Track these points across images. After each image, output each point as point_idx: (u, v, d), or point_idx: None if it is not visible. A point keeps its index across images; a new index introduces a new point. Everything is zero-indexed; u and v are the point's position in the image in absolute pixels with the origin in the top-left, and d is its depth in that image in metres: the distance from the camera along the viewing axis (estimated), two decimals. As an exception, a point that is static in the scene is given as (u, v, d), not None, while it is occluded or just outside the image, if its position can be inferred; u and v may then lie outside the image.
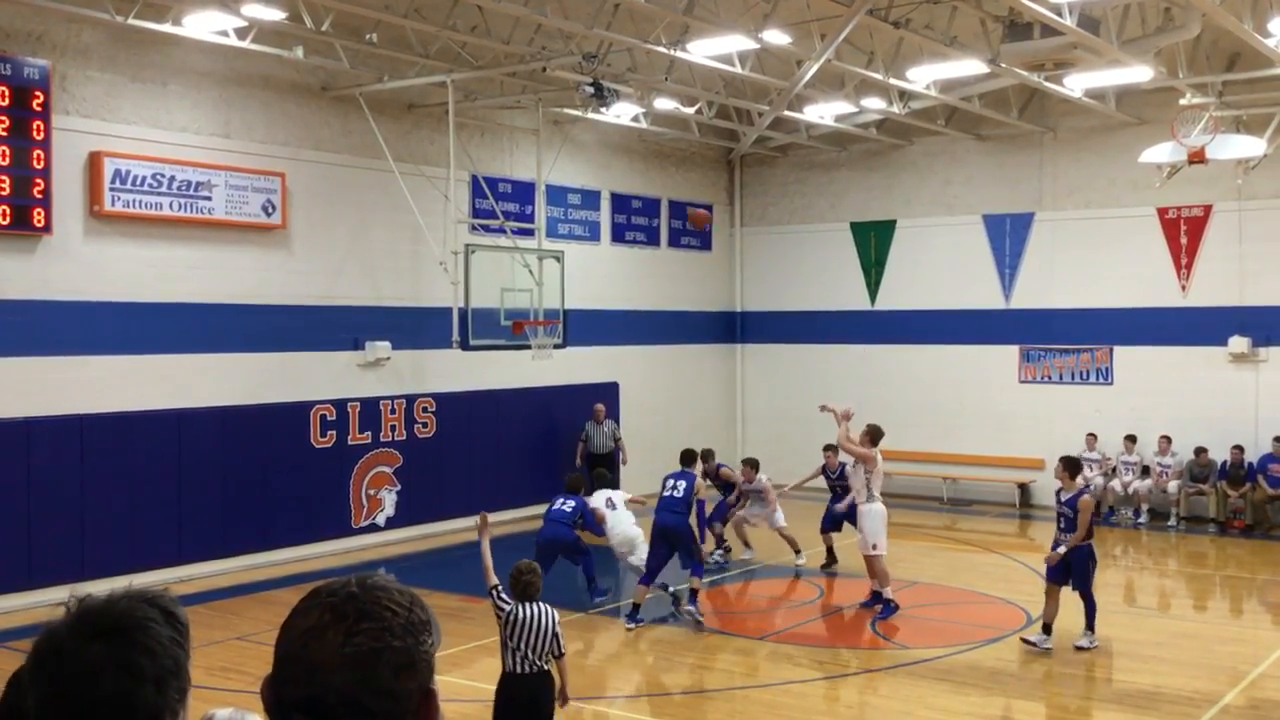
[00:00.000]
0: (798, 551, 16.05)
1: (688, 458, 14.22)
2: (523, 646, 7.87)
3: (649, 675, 11.81)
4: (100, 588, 2.05)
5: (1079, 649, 11.98)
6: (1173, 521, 19.53)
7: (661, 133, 21.77)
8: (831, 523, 15.86)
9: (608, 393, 20.96)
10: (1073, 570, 12.14)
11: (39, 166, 13.73)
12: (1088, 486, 12.68)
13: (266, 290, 16.43)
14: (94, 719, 1.88)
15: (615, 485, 15.81)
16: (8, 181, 13.49)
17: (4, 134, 13.46)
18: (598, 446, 19.44)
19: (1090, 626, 12.11)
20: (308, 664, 1.76)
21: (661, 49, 15.42)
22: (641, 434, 20.76)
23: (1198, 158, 16.59)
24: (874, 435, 13.87)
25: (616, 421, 20.10)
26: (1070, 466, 12.50)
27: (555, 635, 7.97)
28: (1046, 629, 12.05)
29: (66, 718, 1.90)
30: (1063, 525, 12.31)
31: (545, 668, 7.94)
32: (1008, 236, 21.87)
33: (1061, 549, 12.10)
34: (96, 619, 1.91)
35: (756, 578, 15.88)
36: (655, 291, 22.97)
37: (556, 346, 18.40)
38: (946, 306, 22.40)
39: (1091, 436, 20.36)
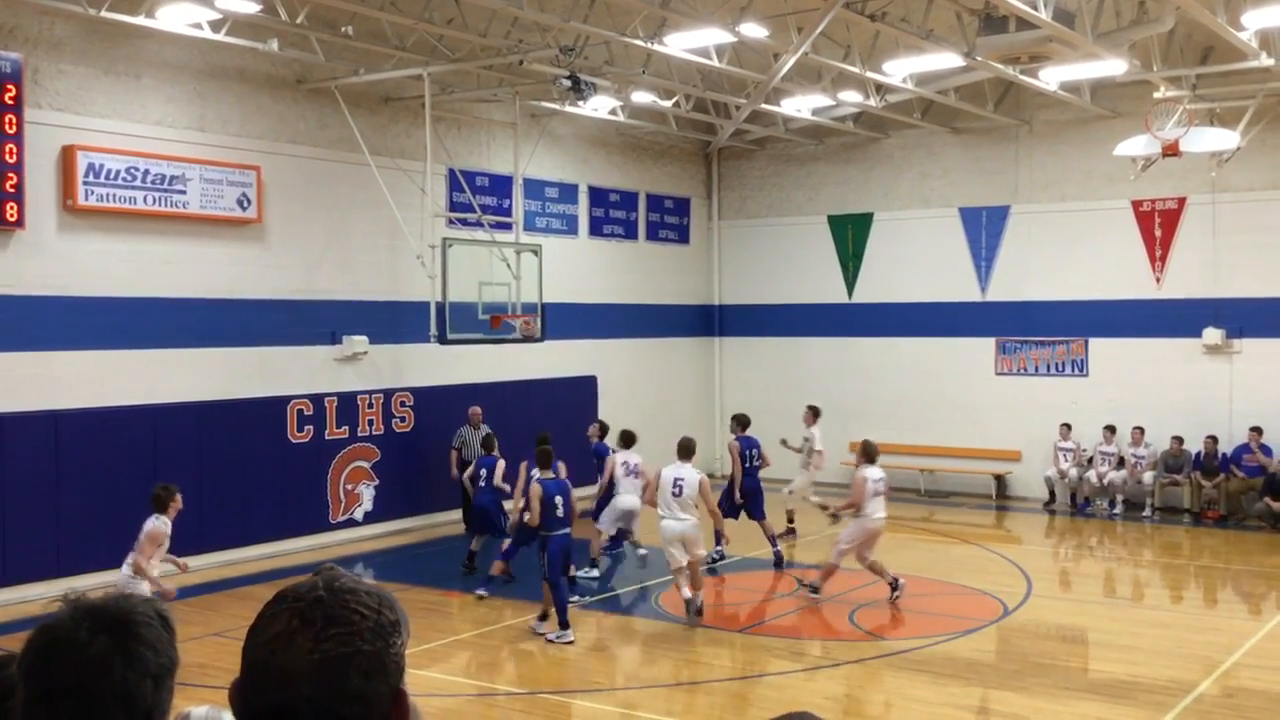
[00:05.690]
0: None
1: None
2: None
3: (628, 668, 11.82)
4: (76, 585, 2.05)
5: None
6: (1148, 512, 19.66)
7: (639, 126, 21.75)
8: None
9: (586, 386, 20.94)
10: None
11: (11, 161, 13.61)
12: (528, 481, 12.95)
13: (242, 285, 16.34)
14: (96, 711, 1.89)
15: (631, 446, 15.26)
16: (-20, 175, 13.38)
17: (-25, 128, 13.35)
18: (471, 454, 17.65)
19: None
20: (276, 671, 1.73)
21: (639, 42, 15.41)
22: (619, 427, 20.71)
23: (1172, 150, 16.70)
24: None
25: (492, 428, 17.95)
26: (544, 460, 12.75)
27: None
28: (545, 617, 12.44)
29: (70, 711, 1.89)
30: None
31: None
32: (984, 229, 21.96)
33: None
34: (101, 614, 1.95)
35: (733, 570, 15.91)
36: (633, 285, 22.95)
37: (535, 340, 18.36)
38: (923, 299, 22.47)
39: (1065, 427, 20.49)
